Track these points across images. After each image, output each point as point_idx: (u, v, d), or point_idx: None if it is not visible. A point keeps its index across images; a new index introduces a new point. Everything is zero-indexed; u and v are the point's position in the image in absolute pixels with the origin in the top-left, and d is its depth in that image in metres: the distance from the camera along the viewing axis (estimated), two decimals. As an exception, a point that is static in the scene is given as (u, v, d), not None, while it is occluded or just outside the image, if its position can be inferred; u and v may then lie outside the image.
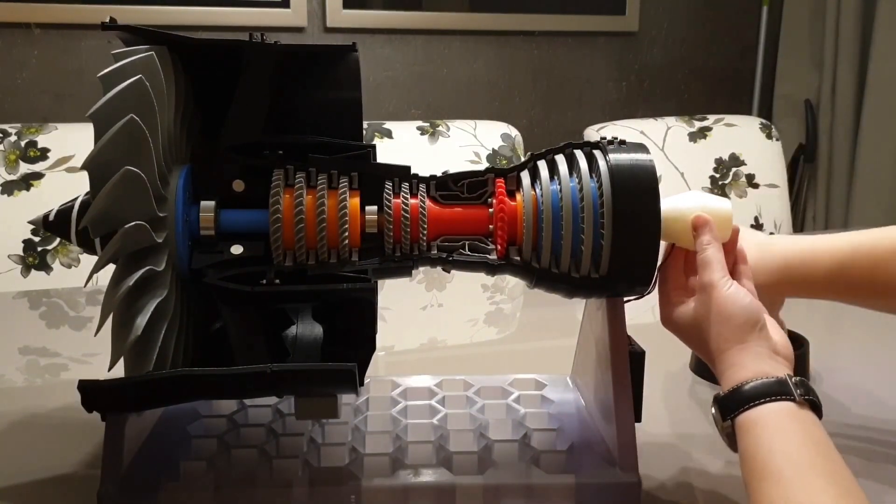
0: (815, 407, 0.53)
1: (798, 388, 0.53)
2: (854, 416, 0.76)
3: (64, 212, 0.62)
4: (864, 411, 0.77)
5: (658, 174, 0.61)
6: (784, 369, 0.55)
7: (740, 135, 1.85)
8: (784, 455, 0.49)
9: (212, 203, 0.61)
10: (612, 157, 0.60)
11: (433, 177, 0.64)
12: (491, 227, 0.62)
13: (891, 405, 0.80)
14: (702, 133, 1.85)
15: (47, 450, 0.70)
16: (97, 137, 0.55)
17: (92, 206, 0.55)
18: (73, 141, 1.46)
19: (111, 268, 0.57)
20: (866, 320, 0.84)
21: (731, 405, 0.54)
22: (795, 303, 0.76)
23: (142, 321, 0.55)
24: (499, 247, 0.62)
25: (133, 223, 0.55)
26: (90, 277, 0.57)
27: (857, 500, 0.47)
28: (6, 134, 1.45)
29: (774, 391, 0.53)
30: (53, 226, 0.63)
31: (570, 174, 0.61)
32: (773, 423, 0.51)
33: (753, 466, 0.50)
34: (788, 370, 0.55)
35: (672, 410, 0.68)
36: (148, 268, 0.56)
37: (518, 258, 0.62)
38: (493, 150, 1.68)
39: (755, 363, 0.55)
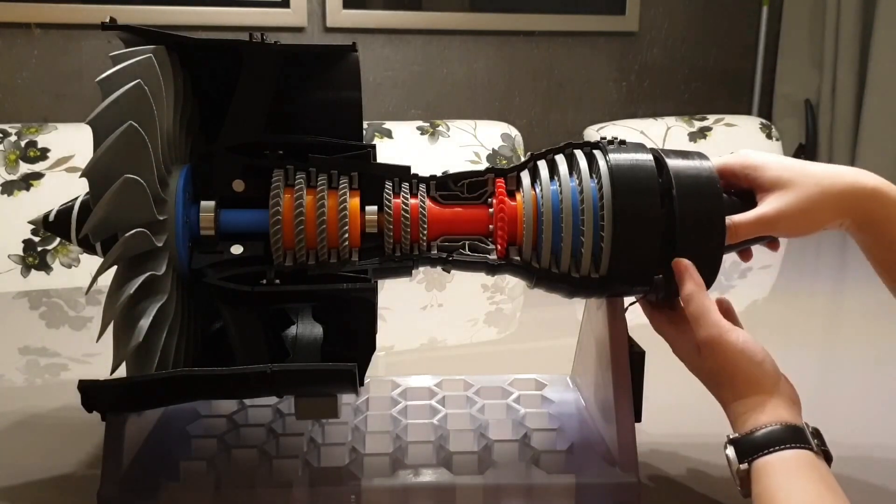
0: (828, 458, 0.53)
1: (814, 437, 0.53)
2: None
3: (64, 212, 0.62)
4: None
5: (658, 174, 0.61)
6: (800, 418, 0.55)
7: (740, 135, 1.85)
8: (802, 502, 0.49)
9: (212, 203, 0.61)
10: (612, 157, 0.60)
11: (433, 177, 0.64)
12: (491, 227, 0.62)
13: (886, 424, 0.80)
14: (702, 133, 1.86)
15: (47, 450, 0.70)
16: (96, 144, 0.55)
17: (92, 213, 0.55)
18: (73, 141, 1.46)
19: (111, 270, 0.57)
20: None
21: (750, 448, 0.53)
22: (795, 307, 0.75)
23: (144, 326, 0.55)
24: (499, 247, 0.62)
25: (133, 231, 0.54)
26: (91, 284, 0.57)
27: None
28: (6, 134, 1.45)
29: (793, 438, 0.53)
30: (53, 226, 0.62)
31: (570, 174, 0.61)
32: (792, 469, 0.51)
33: None
34: (803, 419, 0.55)
35: (672, 410, 0.68)
36: (149, 273, 0.55)
37: (518, 258, 0.62)
38: (493, 150, 1.68)
39: (774, 409, 0.55)
